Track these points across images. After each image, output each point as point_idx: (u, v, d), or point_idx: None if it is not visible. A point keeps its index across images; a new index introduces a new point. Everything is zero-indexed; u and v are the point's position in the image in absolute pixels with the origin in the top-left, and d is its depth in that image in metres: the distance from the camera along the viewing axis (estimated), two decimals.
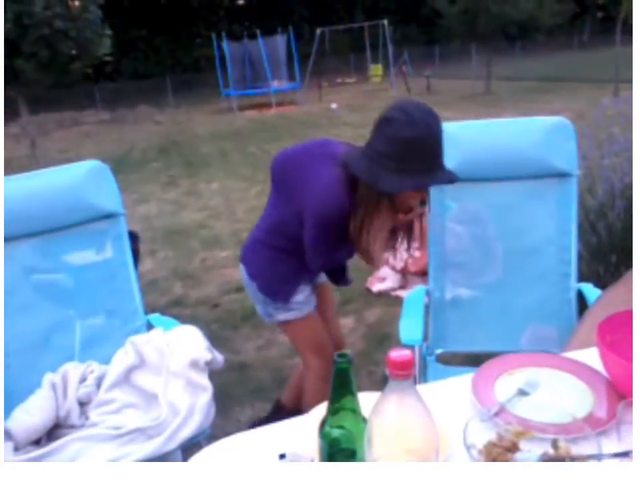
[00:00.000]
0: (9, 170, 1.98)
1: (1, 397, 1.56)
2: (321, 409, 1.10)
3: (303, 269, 1.91)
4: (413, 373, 0.78)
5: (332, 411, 0.87)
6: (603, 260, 2.63)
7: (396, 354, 0.78)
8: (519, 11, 14.30)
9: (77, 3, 8.70)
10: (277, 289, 1.94)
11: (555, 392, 1.21)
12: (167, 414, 1.62)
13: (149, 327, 2.02)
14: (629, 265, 1.74)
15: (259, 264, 1.95)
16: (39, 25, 8.25)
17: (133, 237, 2.44)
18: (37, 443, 1.65)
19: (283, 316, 1.96)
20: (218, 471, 1.04)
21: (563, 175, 2.02)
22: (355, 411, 0.87)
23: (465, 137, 2.08)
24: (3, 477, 0.86)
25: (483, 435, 1.03)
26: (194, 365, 1.72)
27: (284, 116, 12.80)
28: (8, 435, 1.60)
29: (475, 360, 2.00)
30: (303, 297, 1.95)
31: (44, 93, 15.67)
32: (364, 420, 0.87)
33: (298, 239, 1.82)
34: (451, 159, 2.02)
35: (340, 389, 0.86)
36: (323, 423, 0.89)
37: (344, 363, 0.84)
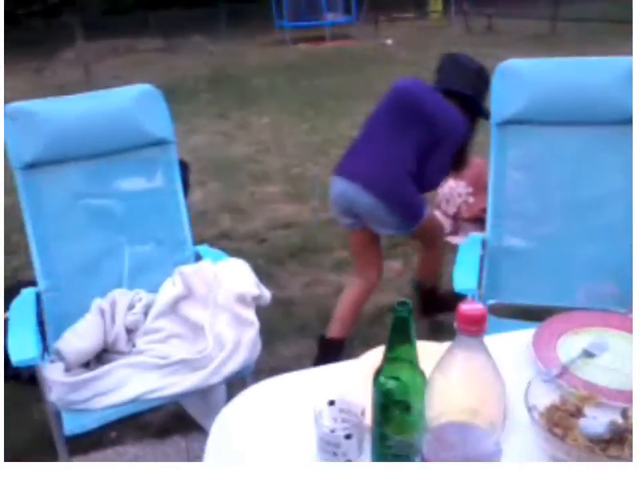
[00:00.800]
0: (62, 95, 1.95)
1: (1, 398, 1.55)
2: (372, 356, 1.06)
3: None
4: (485, 328, 0.72)
5: (388, 360, 0.83)
6: None
7: (468, 307, 0.72)
8: None
9: None
10: (422, 206, 2.26)
11: (623, 356, 1.13)
12: (212, 347, 1.62)
13: (197, 257, 2.01)
14: None
15: (409, 194, 2.19)
16: None
17: (184, 167, 2.41)
18: (87, 365, 1.67)
19: (425, 211, 2.28)
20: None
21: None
22: (413, 362, 0.83)
23: (532, 75, 1.94)
24: (3, 477, 0.85)
25: (545, 397, 0.97)
26: (241, 299, 1.70)
27: (338, 50, 12.44)
28: (59, 356, 1.62)
29: (528, 313, 1.95)
30: None
31: (99, 19, 15.58)
32: (421, 373, 0.82)
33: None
34: (516, 99, 1.93)
35: (398, 337, 0.81)
36: (378, 372, 0.85)
37: (404, 311, 0.79)
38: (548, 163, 1.98)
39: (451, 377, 0.74)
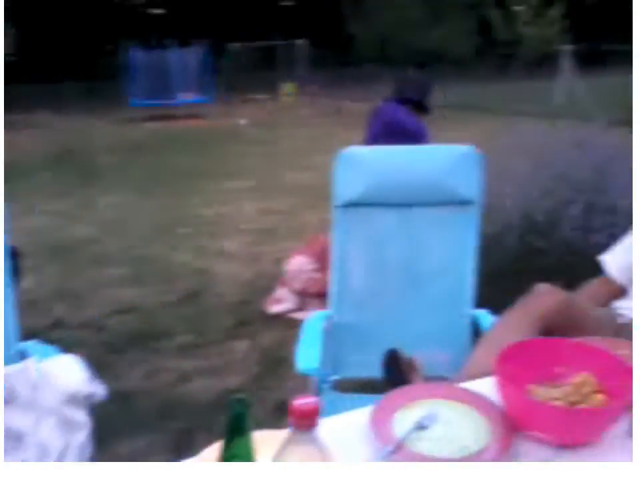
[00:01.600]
0: None
1: (1, 399, 1.43)
2: (210, 452, 1.00)
3: None
4: (317, 421, 0.74)
5: (225, 458, 0.79)
6: (496, 285, 2.67)
7: (299, 402, 0.74)
8: (428, 41, 14.93)
9: None
10: None
11: (453, 425, 1.18)
12: (35, 456, 1.43)
13: (24, 355, 1.80)
14: (522, 290, 1.77)
15: None
16: None
17: (14, 254, 2.22)
18: None
19: None
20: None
21: (466, 203, 2.03)
22: (249, 458, 0.79)
23: (373, 161, 2.06)
24: (3, 477, 0.85)
25: None
26: (71, 399, 1.54)
27: (191, 129, 12.51)
28: None
29: (372, 386, 1.96)
30: None
31: None
32: None
33: None
34: (356, 183, 2.03)
35: (234, 434, 0.78)
36: None
37: (240, 407, 0.77)
38: (386, 241, 2.07)
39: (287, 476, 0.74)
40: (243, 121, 13.02)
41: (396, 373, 1.72)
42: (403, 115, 3.38)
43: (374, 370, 1.99)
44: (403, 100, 3.42)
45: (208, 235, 5.01)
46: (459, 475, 0.79)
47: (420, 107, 3.44)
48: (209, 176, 7.37)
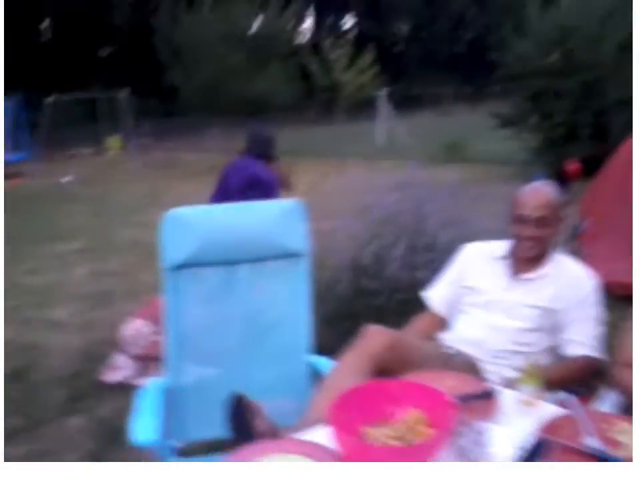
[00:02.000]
0: None
1: (1, 400, 1.40)
2: None
3: None
4: None
5: None
6: (335, 329, 2.75)
7: None
8: (251, 89, 15.30)
9: None
10: None
11: None
12: None
13: None
14: (357, 331, 1.84)
15: None
16: None
17: None
18: None
19: None
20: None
21: (295, 255, 2.09)
22: None
23: (201, 221, 2.06)
24: (3, 477, 0.85)
25: None
26: None
27: (7, 191, 11.57)
28: None
29: (219, 446, 1.91)
30: None
31: None
32: None
33: None
34: (186, 245, 2.02)
35: None
36: None
37: None
38: (220, 299, 2.07)
39: None
40: (66, 178, 12.33)
41: (241, 419, 1.69)
42: (260, 169, 3.85)
43: (219, 429, 1.96)
44: (255, 155, 3.91)
45: (35, 305, 4.63)
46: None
47: (269, 158, 3.96)
48: (32, 240, 6.83)
